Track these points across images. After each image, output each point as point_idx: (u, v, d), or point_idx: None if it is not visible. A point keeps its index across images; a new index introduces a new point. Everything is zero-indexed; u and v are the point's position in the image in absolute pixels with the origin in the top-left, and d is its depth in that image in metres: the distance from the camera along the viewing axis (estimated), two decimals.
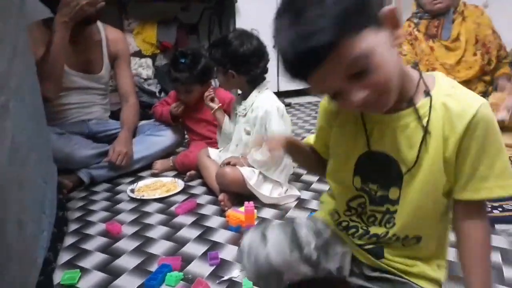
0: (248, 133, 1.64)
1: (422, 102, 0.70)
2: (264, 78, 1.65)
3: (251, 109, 1.61)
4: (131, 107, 2.03)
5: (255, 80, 1.61)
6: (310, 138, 0.93)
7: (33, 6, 1.64)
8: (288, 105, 3.58)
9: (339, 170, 0.81)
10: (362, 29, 0.60)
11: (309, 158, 0.92)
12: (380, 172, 0.75)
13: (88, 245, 1.33)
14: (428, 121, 0.69)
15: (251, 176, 1.53)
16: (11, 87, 0.99)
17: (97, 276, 1.15)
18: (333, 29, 0.57)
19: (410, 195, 0.73)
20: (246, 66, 1.57)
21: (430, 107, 0.69)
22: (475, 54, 2.10)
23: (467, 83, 2.07)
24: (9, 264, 0.82)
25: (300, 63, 0.62)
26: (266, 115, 1.55)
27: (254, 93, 1.62)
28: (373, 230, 0.79)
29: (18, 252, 0.90)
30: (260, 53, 1.59)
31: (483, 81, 2.15)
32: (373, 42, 0.61)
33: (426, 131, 0.69)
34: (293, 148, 0.89)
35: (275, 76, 3.66)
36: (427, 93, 0.70)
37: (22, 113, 1.09)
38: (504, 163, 0.68)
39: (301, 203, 1.57)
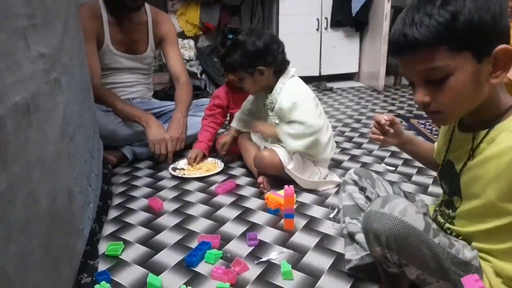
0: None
1: (483, 132, 0.74)
2: (288, 63, 1.56)
3: (277, 101, 1.52)
4: (182, 86, 2.04)
5: (281, 67, 1.53)
6: None
7: None
8: (330, 89, 3.51)
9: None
10: (461, 50, 0.66)
11: (424, 154, 1.04)
12: (449, 179, 0.84)
13: (131, 219, 1.37)
14: (473, 151, 0.75)
15: (289, 161, 1.51)
16: (62, 63, 1.02)
17: (139, 249, 1.19)
18: (433, 34, 0.65)
19: (467, 209, 0.77)
20: (271, 56, 1.49)
21: (484, 137, 0.73)
22: None
23: None
24: (58, 233, 0.85)
25: (396, 39, 0.70)
26: (293, 107, 1.46)
27: (279, 84, 1.53)
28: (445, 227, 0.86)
29: (67, 221, 0.94)
30: (275, 39, 1.54)
31: None
32: (461, 67, 0.66)
33: (468, 157, 0.76)
34: (408, 143, 1.05)
35: (317, 60, 3.62)
36: (493, 122, 0.73)
37: (72, 89, 1.13)
38: None
39: (342, 184, 1.54)
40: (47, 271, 0.78)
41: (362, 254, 0.96)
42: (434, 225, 0.75)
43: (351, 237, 1.01)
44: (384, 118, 0.99)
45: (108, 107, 1.85)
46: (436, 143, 1.00)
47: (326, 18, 3.54)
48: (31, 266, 0.71)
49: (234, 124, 1.80)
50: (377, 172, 1.66)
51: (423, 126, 2.29)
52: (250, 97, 1.74)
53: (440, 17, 0.64)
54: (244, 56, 1.46)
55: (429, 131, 2.19)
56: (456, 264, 0.73)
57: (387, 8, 3.20)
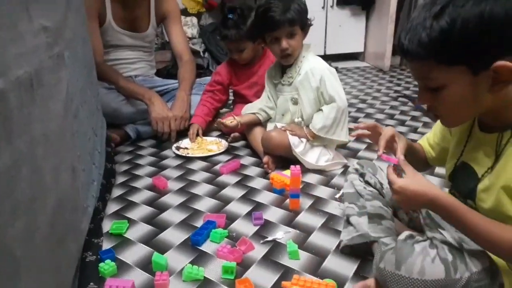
0: (295, 102, 1.54)
1: (507, 132, 0.70)
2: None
3: (298, 74, 1.50)
4: (186, 64, 1.99)
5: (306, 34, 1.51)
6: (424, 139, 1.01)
7: None
8: (335, 69, 3.45)
9: (446, 170, 0.89)
10: (455, 64, 0.65)
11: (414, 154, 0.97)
12: (463, 182, 0.80)
13: (135, 198, 1.36)
14: (501, 151, 0.71)
15: (297, 144, 1.49)
16: (65, 38, 0.99)
17: (144, 228, 1.18)
18: (424, 49, 0.65)
19: (481, 212, 0.73)
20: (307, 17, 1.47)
21: (510, 138, 0.69)
22: None
23: None
24: (63, 211, 0.84)
25: (397, 43, 0.72)
26: (322, 82, 1.46)
27: (300, 57, 1.51)
28: None
29: (71, 199, 0.93)
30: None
31: None
32: (456, 79, 0.66)
33: (495, 160, 0.72)
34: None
35: (323, 39, 3.55)
36: None
37: (75, 65, 1.10)
38: None
39: (346, 172, 1.53)
40: (53, 249, 0.78)
41: (353, 234, 0.99)
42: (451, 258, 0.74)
43: (347, 219, 1.04)
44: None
45: (111, 84, 1.82)
46: (425, 139, 0.99)
47: None
48: (37, 244, 0.70)
49: (253, 111, 1.69)
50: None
51: None
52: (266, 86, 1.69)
53: (432, 32, 0.63)
54: (299, 11, 1.43)
55: None
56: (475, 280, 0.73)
57: None
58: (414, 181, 0.74)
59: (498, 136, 0.72)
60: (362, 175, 1.09)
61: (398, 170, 0.78)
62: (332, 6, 3.48)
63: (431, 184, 0.74)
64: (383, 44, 3.34)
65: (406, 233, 0.82)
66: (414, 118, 2.14)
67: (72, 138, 0.97)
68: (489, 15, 0.60)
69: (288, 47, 1.45)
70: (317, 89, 1.47)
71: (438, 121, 0.92)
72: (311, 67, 1.48)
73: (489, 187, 0.73)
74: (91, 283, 0.92)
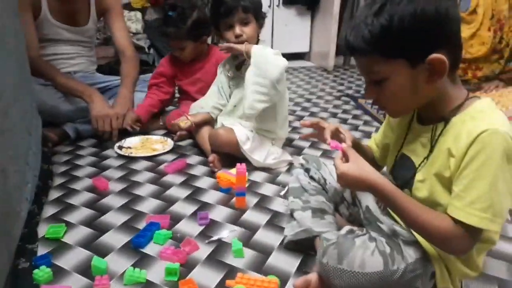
0: None
1: (441, 123, 0.76)
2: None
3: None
4: (128, 60, 1.92)
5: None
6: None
7: None
8: None
9: (388, 164, 0.94)
10: (395, 58, 0.70)
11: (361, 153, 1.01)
12: (402, 173, 0.85)
13: (74, 200, 1.30)
14: (435, 142, 0.76)
15: (245, 141, 1.49)
16: None
17: (83, 231, 1.13)
18: (366, 44, 0.70)
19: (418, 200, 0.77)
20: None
21: (443, 129, 0.75)
22: (489, 30, 2.03)
23: (477, 61, 2.02)
24: None
25: (342, 41, 0.80)
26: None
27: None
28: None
29: (2, 203, 0.87)
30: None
31: (493, 60, 2.10)
32: (396, 71, 0.71)
33: (430, 150, 0.77)
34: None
35: (269, 38, 3.59)
36: (449, 116, 0.75)
37: (6, 60, 1.03)
38: (480, 193, 0.67)
39: (292, 168, 1.56)
40: None
41: (297, 230, 1.01)
42: (382, 241, 0.79)
43: (291, 214, 1.06)
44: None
45: (47, 80, 1.72)
46: (373, 140, 1.05)
47: None
48: None
49: (207, 110, 1.67)
50: (326, 151, 1.70)
51: (370, 105, 2.36)
52: (216, 80, 1.67)
53: (373, 28, 0.69)
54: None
55: (375, 110, 2.26)
56: (410, 270, 0.78)
57: None
58: (355, 166, 0.76)
59: (433, 127, 0.77)
60: (307, 170, 1.10)
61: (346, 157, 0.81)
62: (278, 5, 3.53)
63: (373, 170, 0.76)
64: (327, 44, 3.43)
65: (346, 227, 0.86)
66: (355, 117, 2.23)
67: (1, 137, 0.91)
68: (421, 12, 0.67)
69: (242, 33, 1.45)
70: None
71: (384, 121, 0.99)
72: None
73: (424, 176, 0.78)
74: None
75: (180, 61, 1.89)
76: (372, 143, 1.05)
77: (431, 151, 0.77)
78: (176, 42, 1.80)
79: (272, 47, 3.57)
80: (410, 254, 0.79)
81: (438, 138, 0.76)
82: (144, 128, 1.85)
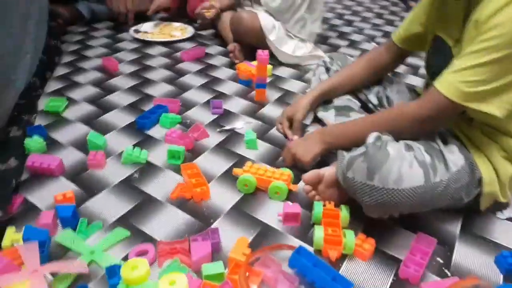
0: None
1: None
2: None
3: None
4: None
5: None
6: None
7: None
8: None
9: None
10: None
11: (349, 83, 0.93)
12: (443, 58, 0.71)
13: (81, 78, 1.19)
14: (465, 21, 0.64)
15: (271, 29, 1.30)
16: None
17: (86, 107, 1.04)
18: None
19: None
20: None
21: (476, 5, 0.61)
22: None
23: None
24: None
25: None
26: None
27: None
28: None
29: None
30: None
31: None
32: None
33: (465, 15, 0.66)
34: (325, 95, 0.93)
35: None
36: None
37: None
38: (468, 67, 0.58)
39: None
40: None
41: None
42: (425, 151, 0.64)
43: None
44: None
45: None
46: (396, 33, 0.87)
47: None
48: None
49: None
50: (365, 51, 1.50)
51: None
52: None
53: None
54: None
55: None
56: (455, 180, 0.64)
57: None
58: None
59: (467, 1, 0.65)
60: (327, 69, 0.99)
61: None
62: None
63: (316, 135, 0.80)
64: None
65: (374, 134, 0.67)
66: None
67: None
68: None
69: None
70: None
71: (415, 9, 0.83)
72: None
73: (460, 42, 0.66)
74: (12, 157, 0.79)
75: None
76: (395, 34, 0.86)
77: (463, 27, 0.65)
78: None
79: None
80: (454, 161, 0.64)
81: (471, 14, 0.62)
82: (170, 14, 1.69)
